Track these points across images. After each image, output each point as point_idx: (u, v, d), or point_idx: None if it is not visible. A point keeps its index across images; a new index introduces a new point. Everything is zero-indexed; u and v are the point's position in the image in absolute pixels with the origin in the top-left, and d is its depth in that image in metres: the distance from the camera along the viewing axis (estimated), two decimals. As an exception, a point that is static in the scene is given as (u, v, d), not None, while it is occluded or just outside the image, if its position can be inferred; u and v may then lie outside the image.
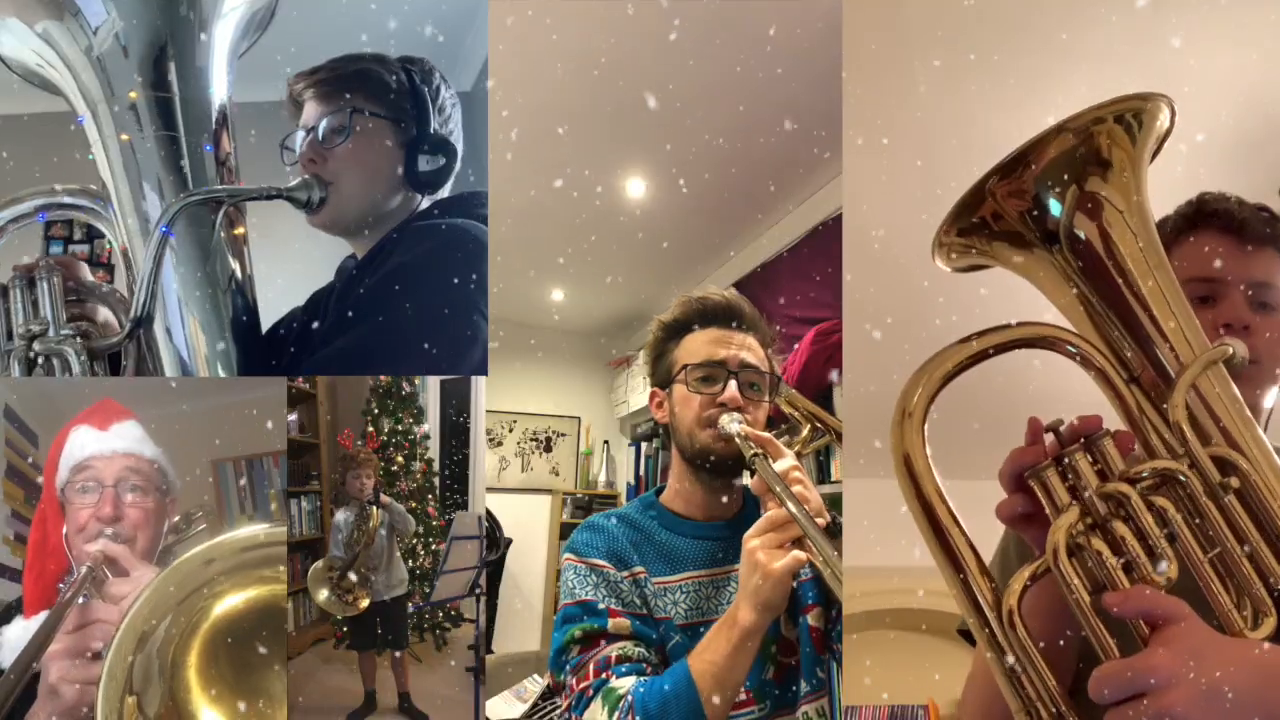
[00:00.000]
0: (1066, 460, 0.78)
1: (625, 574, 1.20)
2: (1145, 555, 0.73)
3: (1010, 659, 0.74)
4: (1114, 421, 0.83)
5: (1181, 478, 0.76)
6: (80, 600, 1.02)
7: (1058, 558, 0.74)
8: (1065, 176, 0.84)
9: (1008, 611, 0.74)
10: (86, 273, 1.32)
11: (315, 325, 1.37)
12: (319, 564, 2.20)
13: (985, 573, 0.78)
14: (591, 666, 1.10)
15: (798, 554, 1.01)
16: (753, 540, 1.03)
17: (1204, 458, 0.76)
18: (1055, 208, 0.85)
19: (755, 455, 1.12)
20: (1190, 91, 2.29)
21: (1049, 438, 0.81)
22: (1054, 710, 0.72)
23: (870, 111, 2.33)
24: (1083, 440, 0.79)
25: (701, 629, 1.13)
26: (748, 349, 1.26)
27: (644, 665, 1.11)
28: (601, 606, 1.16)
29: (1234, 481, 0.75)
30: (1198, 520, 0.75)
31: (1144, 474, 0.76)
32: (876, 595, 3.24)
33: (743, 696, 1.12)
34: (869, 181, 2.41)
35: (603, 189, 3.18)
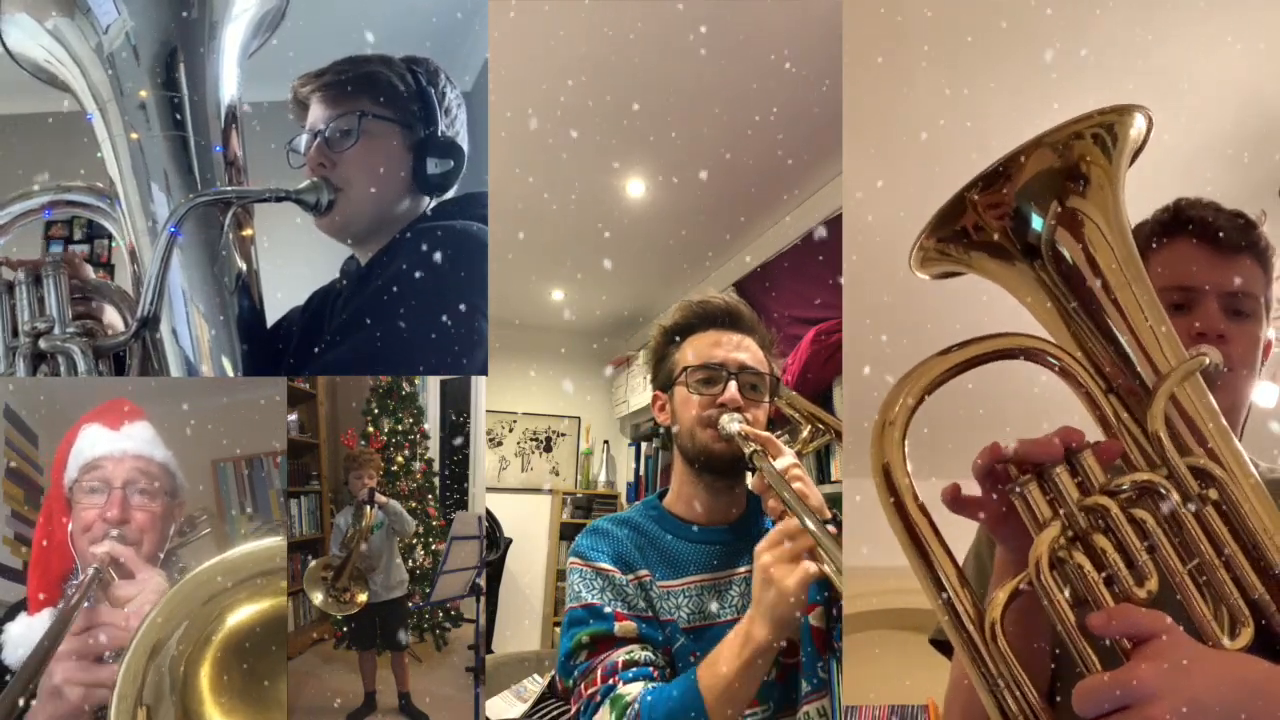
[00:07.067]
0: (1047, 473, 0.78)
1: (630, 577, 1.20)
2: (1126, 569, 0.74)
3: (994, 672, 0.74)
4: (1093, 431, 0.83)
5: (1161, 490, 0.76)
6: (86, 603, 1.02)
7: (1040, 572, 0.74)
8: (1045, 192, 0.85)
9: (990, 625, 0.75)
10: (91, 271, 1.32)
11: (321, 328, 1.37)
12: (314, 564, 2.20)
13: (965, 584, 0.78)
14: (599, 672, 1.10)
15: (809, 566, 0.99)
16: (765, 555, 1.02)
17: (1182, 468, 0.77)
18: (1037, 223, 0.85)
19: (755, 453, 1.13)
20: (1190, 92, 2.30)
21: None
22: None
23: (870, 111, 2.33)
24: (1065, 451, 0.79)
25: (705, 632, 1.14)
26: (747, 351, 1.27)
27: (651, 669, 1.11)
28: (608, 610, 1.16)
29: (1211, 493, 0.76)
30: (1176, 532, 0.76)
31: (1124, 486, 0.77)
32: (876, 595, 3.24)
33: (745, 697, 1.12)
34: (869, 181, 2.42)
35: (603, 189, 3.18)
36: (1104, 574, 0.74)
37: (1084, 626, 0.72)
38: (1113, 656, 0.71)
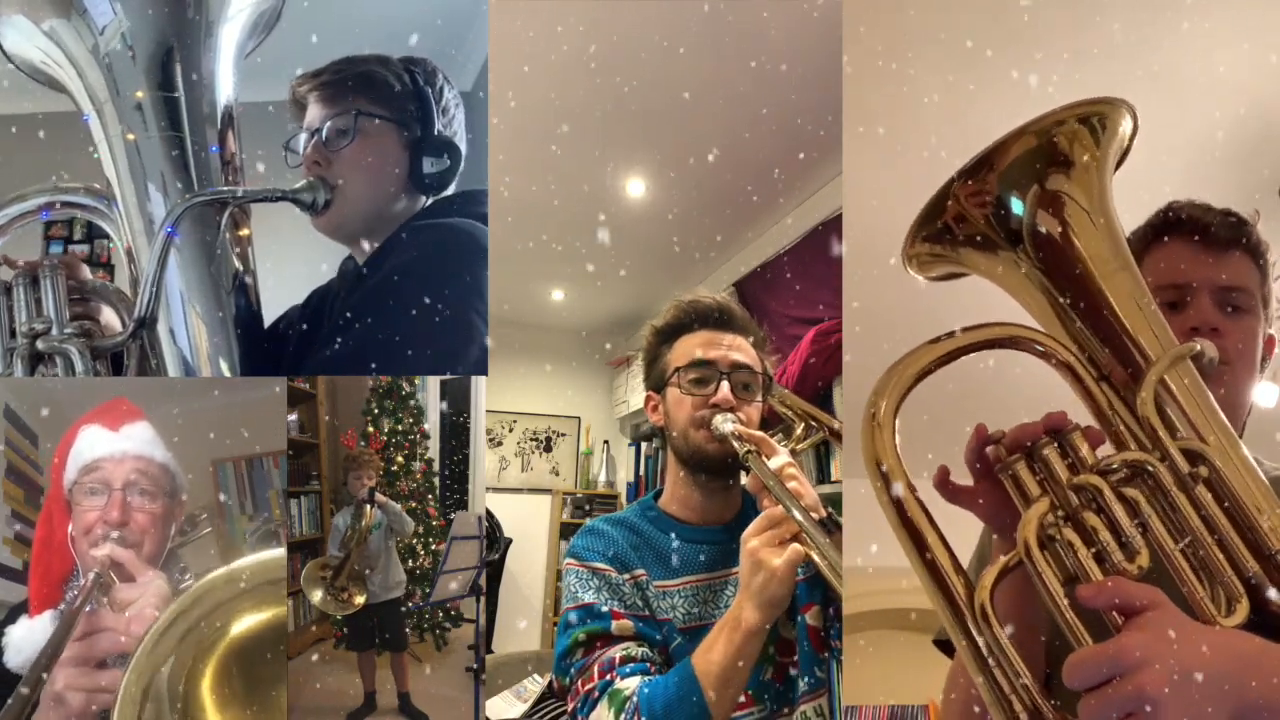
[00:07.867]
0: (1036, 454, 0.79)
1: (627, 576, 1.20)
2: (1117, 545, 0.74)
3: (984, 652, 0.74)
4: (1085, 419, 0.83)
5: (1150, 468, 0.76)
6: (88, 607, 1.02)
7: (1029, 550, 0.75)
8: (1027, 176, 0.85)
9: (980, 606, 0.75)
10: (88, 272, 1.32)
11: (320, 327, 1.37)
12: (313, 564, 2.20)
13: (959, 569, 0.78)
14: (596, 668, 1.11)
15: (796, 547, 1.01)
16: (752, 540, 1.03)
17: (1173, 449, 0.77)
18: (1018, 207, 0.85)
19: (749, 453, 1.13)
20: (1190, 92, 2.29)
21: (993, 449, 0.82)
22: (1028, 703, 0.73)
23: (870, 110, 2.33)
24: (1052, 434, 0.79)
25: (701, 631, 1.13)
26: (739, 350, 1.27)
27: (648, 665, 1.11)
28: (605, 609, 1.16)
29: (1203, 471, 0.76)
30: (1169, 512, 0.76)
31: (1114, 466, 0.77)
32: (876, 595, 3.24)
33: (742, 698, 1.12)
34: (869, 181, 2.41)
35: (603, 189, 3.18)
36: (1093, 550, 0.74)
37: (1074, 601, 0.72)
38: (1104, 634, 0.71)
